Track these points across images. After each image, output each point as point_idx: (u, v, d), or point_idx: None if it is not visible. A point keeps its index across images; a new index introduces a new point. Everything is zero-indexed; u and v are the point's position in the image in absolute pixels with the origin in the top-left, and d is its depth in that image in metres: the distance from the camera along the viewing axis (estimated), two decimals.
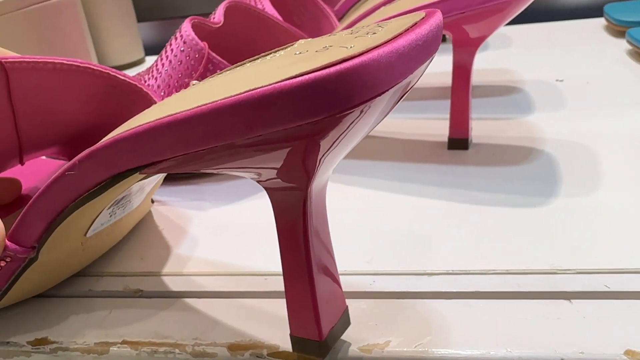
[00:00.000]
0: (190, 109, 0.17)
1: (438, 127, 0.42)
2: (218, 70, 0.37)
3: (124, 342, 0.25)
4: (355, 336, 0.23)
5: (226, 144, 0.17)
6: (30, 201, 0.24)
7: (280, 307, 0.26)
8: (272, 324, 0.24)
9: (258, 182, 0.20)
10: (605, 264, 0.26)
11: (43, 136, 0.31)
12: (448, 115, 0.38)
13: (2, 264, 0.24)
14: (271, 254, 0.29)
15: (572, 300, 0.24)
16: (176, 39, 0.39)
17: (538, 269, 0.26)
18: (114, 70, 0.31)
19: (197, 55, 0.37)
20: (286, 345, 0.23)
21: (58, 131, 0.31)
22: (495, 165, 0.36)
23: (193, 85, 0.24)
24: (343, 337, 0.23)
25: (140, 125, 0.19)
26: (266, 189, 0.20)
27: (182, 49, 0.38)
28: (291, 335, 0.22)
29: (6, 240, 0.24)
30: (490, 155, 0.38)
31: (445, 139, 0.40)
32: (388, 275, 0.27)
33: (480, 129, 0.41)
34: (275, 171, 0.18)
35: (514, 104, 0.46)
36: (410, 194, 0.34)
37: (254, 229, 0.32)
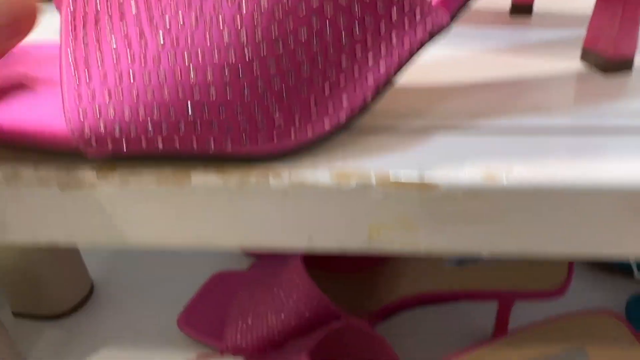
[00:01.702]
0: None
1: None
2: None
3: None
4: (471, 162, 0.20)
5: None
6: None
7: (388, 140, 0.22)
8: (379, 156, 0.21)
9: None
10: None
11: None
12: None
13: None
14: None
15: None
16: None
17: None
18: None
19: None
20: (396, 176, 0.20)
21: None
22: (563, 28, 0.34)
23: None
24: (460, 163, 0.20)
25: None
26: None
27: None
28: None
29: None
30: (557, 21, 0.35)
31: (506, 9, 0.37)
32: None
33: None
34: None
35: None
36: (483, 52, 0.31)
37: None
